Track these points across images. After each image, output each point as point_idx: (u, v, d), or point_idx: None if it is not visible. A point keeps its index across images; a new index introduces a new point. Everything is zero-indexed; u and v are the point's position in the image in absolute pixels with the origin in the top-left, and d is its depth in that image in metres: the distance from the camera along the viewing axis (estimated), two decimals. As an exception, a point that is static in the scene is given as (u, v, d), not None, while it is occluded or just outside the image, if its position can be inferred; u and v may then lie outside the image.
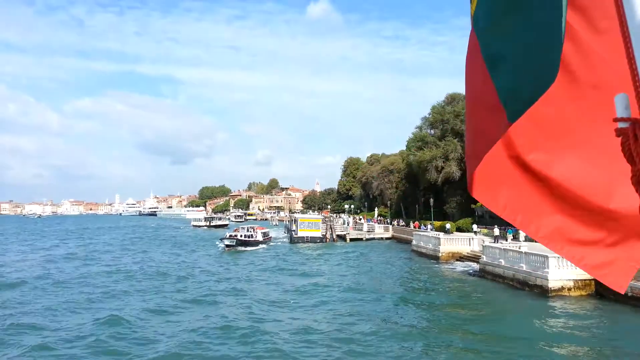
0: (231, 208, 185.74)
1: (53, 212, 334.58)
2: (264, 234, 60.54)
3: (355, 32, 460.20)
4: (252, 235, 56.67)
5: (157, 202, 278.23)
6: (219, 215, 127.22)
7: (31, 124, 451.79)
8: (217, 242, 57.71)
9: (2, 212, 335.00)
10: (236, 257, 44.53)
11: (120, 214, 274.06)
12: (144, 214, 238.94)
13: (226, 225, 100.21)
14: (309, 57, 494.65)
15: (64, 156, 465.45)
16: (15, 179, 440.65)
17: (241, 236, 54.72)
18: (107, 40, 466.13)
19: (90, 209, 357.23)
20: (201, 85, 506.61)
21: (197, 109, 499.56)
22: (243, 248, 52.02)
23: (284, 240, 66.46)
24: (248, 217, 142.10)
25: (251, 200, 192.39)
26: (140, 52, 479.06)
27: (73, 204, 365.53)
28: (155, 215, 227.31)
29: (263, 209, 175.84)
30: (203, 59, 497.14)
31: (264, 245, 56.28)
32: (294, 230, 62.83)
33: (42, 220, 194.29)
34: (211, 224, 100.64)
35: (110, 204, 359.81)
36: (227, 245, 51.84)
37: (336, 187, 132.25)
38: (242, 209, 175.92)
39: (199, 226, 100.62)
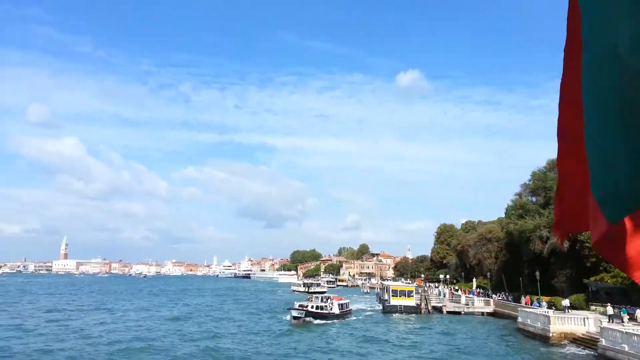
0: (322, 273, 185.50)
1: (157, 272, 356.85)
2: (342, 306, 52.01)
3: (444, 97, 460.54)
4: (326, 306, 48.64)
5: (251, 264, 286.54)
6: (318, 281, 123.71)
7: (143, 190, 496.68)
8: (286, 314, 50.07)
9: (112, 271, 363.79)
10: (299, 335, 38.04)
11: (217, 275, 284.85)
12: (238, 276, 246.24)
13: (325, 292, 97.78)
14: (397, 123, 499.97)
15: (169, 220, 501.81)
16: (125, 240, 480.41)
17: (312, 307, 46.98)
18: (210, 113, 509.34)
19: (190, 270, 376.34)
20: (293, 152, 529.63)
21: (289, 174, 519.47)
22: (314, 321, 44.95)
23: (372, 312, 60.70)
24: (339, 283, 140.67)
25: (341, 266, 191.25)
26: (239, 123, 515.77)
27: (175, 265, 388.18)
28: (249, 277, 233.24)
29: (354, 275, 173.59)
30: (295, 128, 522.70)
31: (340, 320, 48.12)
32: (386, 300, 60.83)
33: (147, 280, 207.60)
34: (309, 289, 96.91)
35: (208, 266, 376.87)
36: (294, 317, 44.41)
37: (429, 255, 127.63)
38: (332, 274, 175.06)
39: (298, 291, 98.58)
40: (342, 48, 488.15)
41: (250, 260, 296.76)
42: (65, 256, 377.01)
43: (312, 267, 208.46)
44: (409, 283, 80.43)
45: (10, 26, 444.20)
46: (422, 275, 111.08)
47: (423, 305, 58.67)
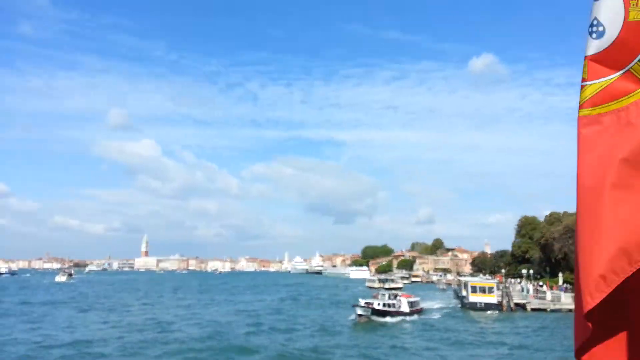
0: (394, 269, 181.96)
1: (232, 268, 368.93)
2: (412, 304, 48.72)
3: (522, 81, 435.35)
4: (394, 304, 45.88)
5: (322, 260, 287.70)
6: (392, 276, 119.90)
7: (215, 188, 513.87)
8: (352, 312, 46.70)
9: (190, 268, 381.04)
10: (365, 334, 35.70)
11: (289, 271, 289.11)
12: (310, 272, 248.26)
13: (401, 288, 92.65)
14: (471, 111, 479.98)
15: (241, 217, 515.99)
16: (200, 237, 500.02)
17: (379, 304, 44.23)
18: (277, 109, 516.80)
19: (263, 266, 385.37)
20: (361, 145, 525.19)
21: (358, 168, 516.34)
22: (381, 319, 42.39)
23: (449, 309, 56.96)
24: (413, 279, 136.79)
25: (415, 261, 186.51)
26: (305, 118, 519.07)
27: (248, 261, 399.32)
28: (321, 273, 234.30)
29: (428, 271, 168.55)
30: (362, 121, 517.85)
31: (410, 318, 45.22)
32: (464, 296, 57.63)
33: (222, 276, 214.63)
34: (384, 285, 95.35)
35: (280, 262, 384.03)
36: (359, 315, 41.96)
37: (510, 249, 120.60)
38: (405, 269, 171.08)
39: (373, 287, 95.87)
40: (410, 36, 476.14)
41: (321, 256, 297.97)
42: (146, 254, 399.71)
43: (384, 263, 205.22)
44: (488, 279, 75.98)
45: (90, 35, 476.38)
46: (503, 271, 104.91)
47: (505, 302, 54.88)
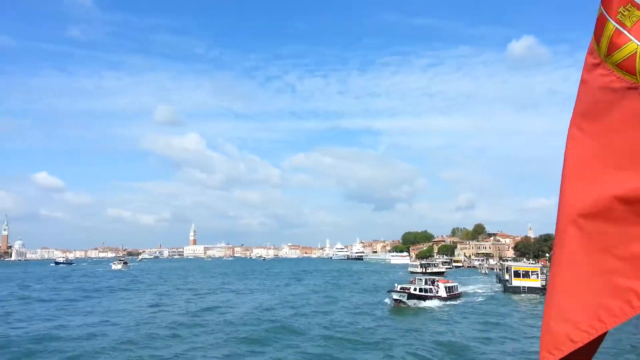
0: (435, 254, 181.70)
1: (275, 255, 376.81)
2: (449, 289, 48.39)
3: (564, 62, 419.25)
4: (431, 288, 45.23)
5: (363, 246, 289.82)
6: (435, 261, 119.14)
7: (257, 179, 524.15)
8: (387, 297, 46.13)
9: (235, 255, 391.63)
10: (402, 319, 35.04)
11: (331, 257, 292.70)
12: (351, 258, 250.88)
13: (443, 272, 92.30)
14: (510, 95, 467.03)
15: (283, 206, 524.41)
16: (245, 226, 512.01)
17: (415, 289, 43.62)
18: (315, 101, 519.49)
19: (305, 253, 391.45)
20: (399, 133, 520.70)
21: (396, 156, 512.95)
22: (417, 304, 41.84)
23: (491, 293, 56.62)
24: (454, 264, 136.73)
25: (456, 247, 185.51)
26: (343, 108, 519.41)
27: (291, 248, 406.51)
28: (362, 259, 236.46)
29: (469, 256, 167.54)
30: (400, 109, 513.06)
31: (448, 302, 44.72)
32: (507, 280, 58.00)
33: (266, 263, 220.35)
34: (426, 270, 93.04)
35: (321, 248, 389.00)
36: (395, 300, 41.72)
37: (554, 233, 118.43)
38: (446, 255, 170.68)
39: (416, 272, 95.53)
40: (446, 21, 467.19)
41: (361, 242, 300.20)
42: (194, 242, 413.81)
43: (424, 248, 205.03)
44: (532, 263, 75.65)
45: (135, 35, 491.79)
46: (547, 255, 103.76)
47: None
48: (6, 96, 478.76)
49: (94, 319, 34.51)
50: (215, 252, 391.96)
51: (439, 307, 41.82)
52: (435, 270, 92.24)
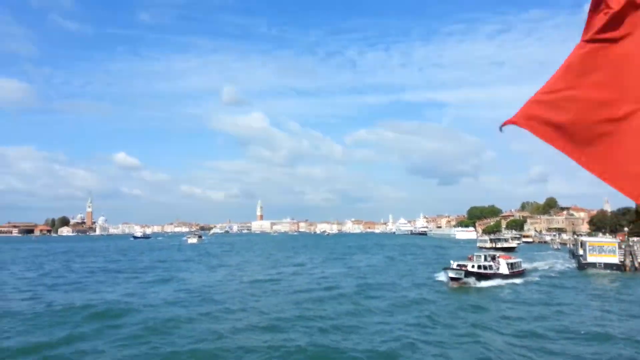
0: (503, 229, 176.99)
1: (339, 230, 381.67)
2: (512, 265, 44.61)
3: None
4: (490, 265, 41.85)
5: (427, 222, 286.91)
6: (505, 236, 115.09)
7: (320, 155, 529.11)
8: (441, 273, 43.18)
9: (300, 230, 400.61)
10: (458, 299, 32.28)
11: (394, 232, 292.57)
12: (415, 233, 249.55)
13: (514, 248, 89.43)
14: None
15: (346, 181, 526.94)
16: (309, 202, 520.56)
17: (474, 267, 40.37)
18: (376, 75, 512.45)
19: (369, 228, 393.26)
20: (465, 105, 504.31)
21: (461, 129, 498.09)
22: (476, 283, 38.77)
23: (564, 270, 53.68)
24: (524, 240, 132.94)
25: (525, 221, 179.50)
26: (405, 81, 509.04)
27: (354, 223, 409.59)
28: (425, 234, 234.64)
29: (540, 231, 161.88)
30: (466, 79, 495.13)
31: (510, 280, 41.36)
32: (581, 255, 56.15)
33: (330, 237, 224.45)
34: (496, 245, 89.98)
35: (385, 223, 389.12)
36: (452, 278, 38.95)
37: (633, 206, 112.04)
38: (515, 230, 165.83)
39: (485, 247, 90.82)
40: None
41: (425, 217, 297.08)
42: (261, 217, 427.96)
43: (491, 223, 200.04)
44: (609, 238, 72.54)
45: (201, 17, 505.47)
46: (625, 229, 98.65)
47: (628, 262, 52.64)
48: (88, 81, 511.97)
49: (173, 288, 37.73)
50: (281, 227, 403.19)
51: (500, 285, 38.88)
52: (505, 245, 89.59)
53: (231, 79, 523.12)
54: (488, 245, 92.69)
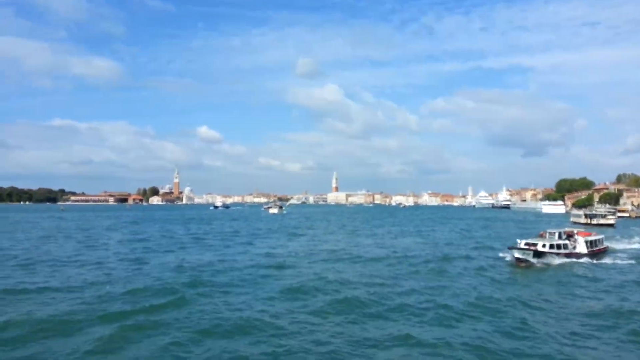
0: (595, 203, 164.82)
1: (415, 203, 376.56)
2: (591, 243, 38.23)
3: None
4: (565, 244, 36.12)
5: (510, 195, 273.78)
6: (602, 211, 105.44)
7: (395, 126, 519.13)
8: (505, 252, 37.94)
9: (375, 201, 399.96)
10: (530, 283, 26.99)
11: (474, 206, 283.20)
12: (496, 207, 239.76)
13: (612, 224, 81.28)
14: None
15: (422, 152, 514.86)
16: (384, 174, 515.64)
17: (545, 245, 34.48)
18: (455, 40, 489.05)
19: (446, 201, 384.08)
20: (553, 70, 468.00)
21: (549, 95, 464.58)
22: (547, 263, 33.29)
23: None
24: (619, 214, 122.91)
25: (621, 195, 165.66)
26: (486, 46, 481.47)
27: (431, 196, 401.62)
28: (509, 208, 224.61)
29: (638, 205, 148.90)
30: (554, 42, 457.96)
31: (589, 261, 35.35)
32: None
33: (406, 210, 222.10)
34: (592, 221, 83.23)
35: (463, 196, 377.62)
36: (518, 259, 33.53)
37: None
38: (609, 204, 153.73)
39: (579, 223, 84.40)
40: None
41: (508, 190, 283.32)
42: (336, 189, 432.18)
43: (582, 197, 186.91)
44: None
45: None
46: None
47: None
48: (172, 58, 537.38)
49: (257, 252, 39.43)
50: (356, 199, 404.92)
51: (577, 266, 33.32)
52: (602, 222, 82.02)
53: (306, 51, 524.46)
54: (582, 220, 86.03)
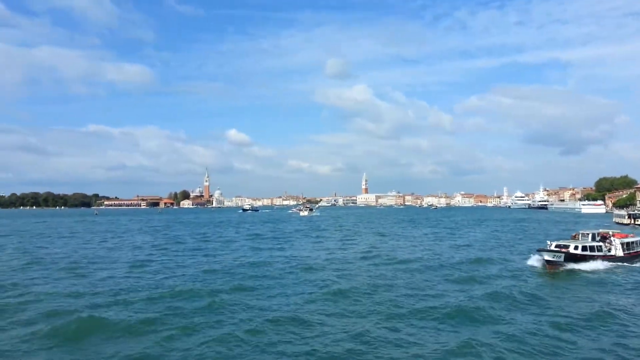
0: (638, 202, 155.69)
1: (447, 204, 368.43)
2: (628, 245, 34.61)
3: None
4: (599, 246, 32.95)
5: (547, 194, 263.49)
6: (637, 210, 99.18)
7: (427, 125, 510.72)
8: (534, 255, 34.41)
9: (406, 203, 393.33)
10: (565, 290, 24.47)
11: (509, 206, 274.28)
12: (533, 207, 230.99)
13: None
14: None
15: (455, 152, 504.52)
16: (415, 174, 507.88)
17: (577, 248, 31.65)
18: (489, 36, 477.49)
19: (480, 202, 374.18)
20: (594, 64, 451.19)
21: (589, 90, 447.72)
22: (579, 267, 30.50)
23: None
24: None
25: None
26: (522, 41, 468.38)
27: (464, 197, 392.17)
28: (546, 208, 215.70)
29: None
30: (595, 34, 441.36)
31: (625, 265, 32.31)
32: None
33: (438, 211, 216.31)
34: (636, 221, 78.35)
35: (498, 197, 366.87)
36: (548, 262, 31.07)
37: None
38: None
39: (622, 223, 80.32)
40: None
41: (545, 190, 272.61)
42: (366, 190, 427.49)
43: (623, 196, 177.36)
44: None
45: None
46: None
47: None
48: (203, 62, 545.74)
49: (294, 254, 38.68)
50: (386, 200, 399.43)
51: (611, 270, 30.49)
52: None
53: (335, 52, 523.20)
54: (626, 220, 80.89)
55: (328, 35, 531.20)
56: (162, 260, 36.80)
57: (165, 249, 45.69)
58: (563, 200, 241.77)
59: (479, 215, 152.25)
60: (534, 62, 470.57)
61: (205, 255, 39.76)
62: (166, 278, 27.84)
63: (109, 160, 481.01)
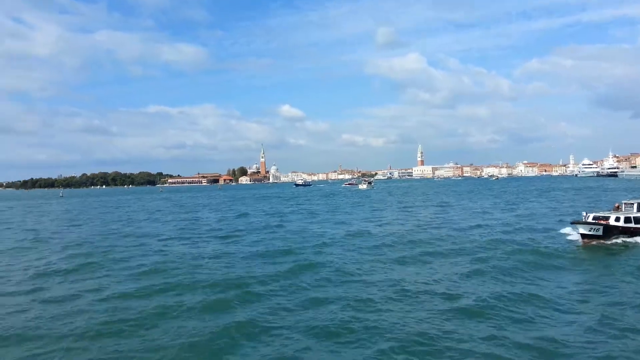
0: None
1: (509, 174, 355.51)
2: None
3: None
4: None
5: (617, 161, 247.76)
6: None
7: (484, 92, 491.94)
8: (567, 229, 31.94)
9: (464, 174, 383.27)
10: (608, 268, 21.69)
11: (576, 175, 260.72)
12: (602, 175, 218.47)
13: None
14: None
15: (515, 119, 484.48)
16: (474, 144, 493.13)
17: (618, 220, 28.22)
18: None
19: (545, 171, 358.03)
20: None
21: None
22: (620, 241, 27.42)
23: None
24: None
25: None
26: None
27: (527, 166, 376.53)
28: (616, 176, 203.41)
29: None
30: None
31: None
32: None
33: (499, 182, 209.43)
34: None
35: (564, 165, 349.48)
36: (584, 235, 27.75)
37: None
38: None
39: None
40: None
41: (615, 156, 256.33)
42: (422, 162, 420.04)
43: None
44: None
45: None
46: None
47: None
48: (251, 39, 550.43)
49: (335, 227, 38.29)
50: (444, 172, 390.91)
51: None
52: None
53: (384, 20, 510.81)
54: None
55: (375, 2, 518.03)
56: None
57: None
58: (635, 167, 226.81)
59: (546, 184, 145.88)
60: (599, 19, 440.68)
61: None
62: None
63: (170, 139, 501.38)
